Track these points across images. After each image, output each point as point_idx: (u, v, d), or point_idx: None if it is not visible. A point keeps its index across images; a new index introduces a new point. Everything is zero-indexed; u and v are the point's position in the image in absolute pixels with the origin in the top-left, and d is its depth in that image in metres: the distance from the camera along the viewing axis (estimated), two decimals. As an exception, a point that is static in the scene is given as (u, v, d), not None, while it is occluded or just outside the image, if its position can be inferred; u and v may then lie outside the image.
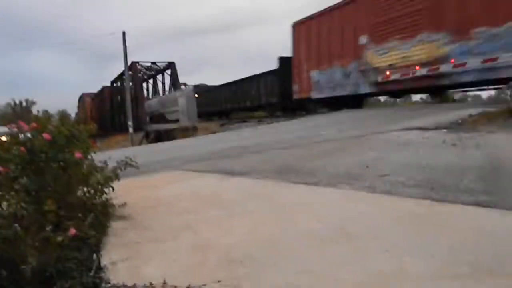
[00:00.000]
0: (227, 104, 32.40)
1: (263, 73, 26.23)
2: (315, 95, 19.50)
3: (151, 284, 2.09)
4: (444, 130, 7.21)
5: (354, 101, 17.83)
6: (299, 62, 20.66)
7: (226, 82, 33.17)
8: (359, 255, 2.30)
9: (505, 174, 4.18)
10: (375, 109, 14.70)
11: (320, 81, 18.99)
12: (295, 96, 21.06)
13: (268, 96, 25.51)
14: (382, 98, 29.99)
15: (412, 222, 2.89)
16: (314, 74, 19.45)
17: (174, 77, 42.95)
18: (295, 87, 20.97)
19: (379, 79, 15.27)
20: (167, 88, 44.49)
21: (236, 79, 31.62)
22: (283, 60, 22.90)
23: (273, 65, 24.98)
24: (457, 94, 24.90)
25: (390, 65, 14.67)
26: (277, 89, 23.89)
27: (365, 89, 16.39)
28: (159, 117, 36.54)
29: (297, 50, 20.83)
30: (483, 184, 3.73)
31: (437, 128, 7.49)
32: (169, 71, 45.00)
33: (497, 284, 1.85)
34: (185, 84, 38.84)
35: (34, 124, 2.86)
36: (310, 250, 2.47)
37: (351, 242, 2.55)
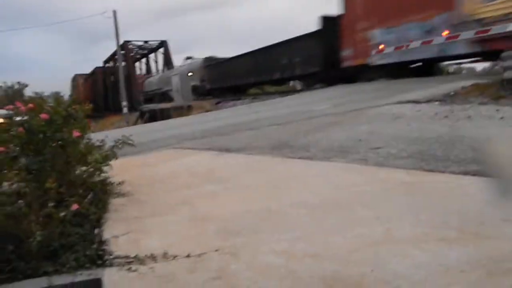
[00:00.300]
0: (247, 78, 27.10)
1: (299, 37, 21.10)
2: (377, 60, 15.26)
3: (152, 254, 2.19)
4: (437, 103, 7.28)
5: (429, 67, 14.96)
6: (353, 20, 16.50)
7: (246, 52, 27.65)
8: (350, 223, 2.40)
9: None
10: (370, 83, 14.49)
11: (386, 42, 14.82)
12: (346, 63, 17.06)
13: (306, 65, 20.52)
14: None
15: (402, 191, 2.99)
16: (377, 34, 15.34)
17: (167, 56, 42.62)
18: (346, 52, 16.94)
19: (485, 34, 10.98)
20: (160, 67, 44.24)
21: (256, 47, 25.89)
22: (327, 21, 18.60)
23: (264, 42, 23.64)
24: (451, 67, 24.71)
25: (507, 14, 10.53)
26: (319, 55, 19.06)
27: (458, 49, 12.14)
28: (161, 95, 35.07)
29: (350, 5, 16.86)
30: (472, 154, 3.82)
31: (430, 101, 7.56)
32: (162, 50, 44.63)
33: (482, 246, 1.95)
34: (189, 57, 36.48)
35: (30, 105, 2.90)
36: (304, 219, 2.57)
37: (343, 210, 2.65)
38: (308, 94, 16.55)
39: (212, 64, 31.76)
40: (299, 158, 4.50)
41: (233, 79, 28.63)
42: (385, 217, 2.43)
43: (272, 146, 5.31)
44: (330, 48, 17.96)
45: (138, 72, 46.77)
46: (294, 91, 23.26)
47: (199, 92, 31.74)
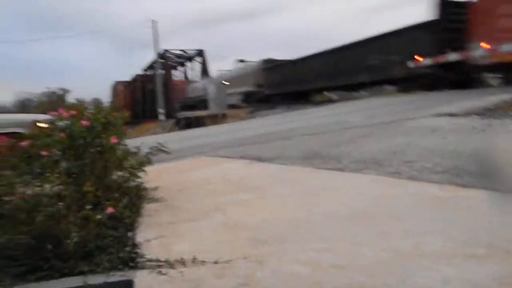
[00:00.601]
0: (319, 81, 23.04)
1: (398, 31, 17.26)
2: None
3: (182, 259, 2.25)
4: (475, 116, 7.09)
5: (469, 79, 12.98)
6: (491, 2, 12.73)
7: (317, 52, 23.46)
8: (378, 235, 2.39)
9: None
10: (409, 95, 14.15)
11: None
12: (481, 61, 13.07)
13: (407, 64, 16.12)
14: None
15: (434, 205, 2.94)
16: None
17: (204, 64, 43.41)
18: (478, 48, 12.95)
19: None
20: (197, 75, 45.01)
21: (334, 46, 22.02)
22: (446, 7, 14.75)
23: (305, 51, 22.30)
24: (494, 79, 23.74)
25: None
26: (431, 51, 14.77)
27: None
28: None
29: None
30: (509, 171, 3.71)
31: (468, 114, 7.37)
32: (199, 59, 45.52)
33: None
34: (242, 60, 34.21)
35: (73, 112, 3.06)
36: (332, 230, 2.58)
37: (372, 223, 2.64)
38: (341, 105, 16.43)
39: (272, 66, 28.26)
40: (331, 169, 4.49)
41: (301, 83, 24.45)
42: (415, 231, 2.40)
43: (304, 156, 5.32)
44: (446, 42, 14.24)
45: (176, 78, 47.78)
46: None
47: (254, 99, 28.59)
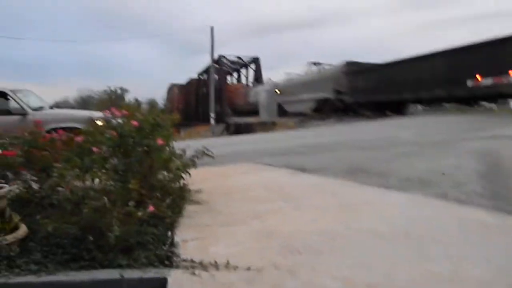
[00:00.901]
0: (419, 91, 18.50)
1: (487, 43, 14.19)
2: None
3: (215, 262, 2.29)
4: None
5: None
6: None
7: (426, 53, 18.72)
8: (416, 256, 2.32)
9: None
10: (467, 114, 13.55)
11: None
12: None
13: None
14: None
15: (479, 231, 2.82)
16: None
17: (258, 72, 43.82)
18: None
19: None
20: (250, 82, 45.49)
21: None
22: None
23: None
24: None
25: None
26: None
27: None
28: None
29: None
30: None
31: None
32: (253, 66, 46.05)
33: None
34: (317, 63, 29.09)
35: (125, 112, 3.21)
36: (368, 246, 2.53)
37: (411, 243, 2.57)
38: (393, 119, 16.02)
39: (357, 70, 23.40)
40: (375, 185, 4.40)
41: (397, 91, 19.87)
42: (455, 256, 2.31)
43: (348, 170, 5.25)
44: None
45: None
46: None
47: (331, 107, 24.31)
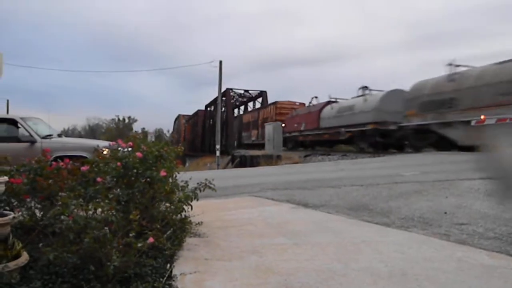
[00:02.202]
0: None
1: None
2: None
3: (212, 296, 2.31)
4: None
5: None
6: None
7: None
8: (412, 298, 2.32)
9: None
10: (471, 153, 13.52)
11: None
12: None
13: None
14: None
15: (479, 274, 2.81)
16: None
17: (265, 105, 44.27)
18: None
19: None
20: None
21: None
22: None
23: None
24: None
25: None
26: None
27: None
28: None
29: None
30: None
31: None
32: (260, 99, 46.60)
33: None
34: (365, 87, 25.21)
35: (130, 143, 3.29)
36: (365, 286, 2.53)
37: (409, 285, 2.56)
38: (396, 157, 16.01)
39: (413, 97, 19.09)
40: (376, 223, 4.41)
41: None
42: (452, 298, 2.30)
43: (350, 207, 5.26)
44: None
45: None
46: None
47: (372, 141, 21.99)
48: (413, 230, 4.08)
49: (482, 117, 13.08)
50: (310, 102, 33.17)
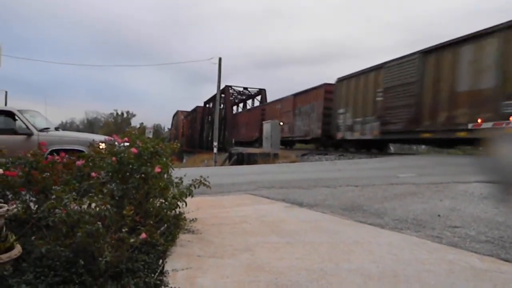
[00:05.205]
0: None
1: None
2: None
3: (202, 293, 2.32)
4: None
5: None
6: None
7: None
8: (401, 299, 2.34)
9: None
10: (468, 156, 13.57)
11: None
12: None
13: None
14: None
15: (469, 277, 2.83)
16: None
17: (264, 103, 44.30)
18: None
19: None
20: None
21: None
22: None
23: None
24: None
25: None
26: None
27: None
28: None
29: None
30: None
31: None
32: (259, 97, 46.65)
33: None
34: None
35: (126, 139, 3.30)
36: (355, 286, 2.55)
37: (398, 284, 2.58)
38: (394, 158, 16.04)
39: None
40: (370, 224, 4.43)
41: None
42: (440, 301, 2.32)
43: (344, 207, 5.28)
44: None
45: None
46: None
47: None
48: (406, 232, 4.10)
49: (478, 120, 13.07)
50: None
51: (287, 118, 31.37)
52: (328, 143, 26.36)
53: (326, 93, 25.96)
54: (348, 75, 23.03)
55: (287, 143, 32.03)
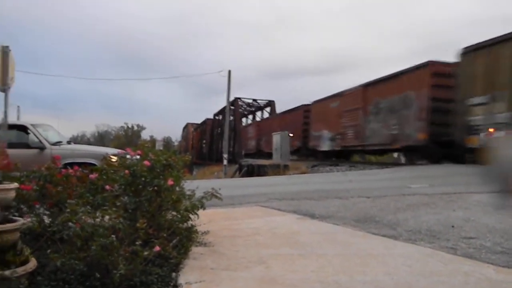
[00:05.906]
0: None
1: None
2: None
3: (216, 306, 2.31)
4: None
5: None
6: None
7: None
8: (417, 312, 2.31)
9: None
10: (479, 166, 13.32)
11: None
12: None
13: None
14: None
15: (483, 287, 2.79)
16: None
17: (273, 115, 44.34)
18: None
19: None
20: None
21: None
22: None
23: None
24: None
25: None
26: None
27: None
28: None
29: None
30: None
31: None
32: (268, 109, 46.71)
33: None
34: None
35: (139, 152, 3.33)
36: (370, 299, 2.52)
37: (414, 298, 2.55)
38: (405, 168, 15.91)
39: None
40: (383, 235, 4.39)
41: None
42: (458, 313, 2.29)
43: (357, 219, 5.24)
44: None
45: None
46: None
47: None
48: (420, 243, 4.05)
49: (491, 130, 12.83)
50: None
51: (352, 118, 23.25)
52: (439, 152, 17.10)
53: (435, 76, 16.87)
54: (489, 40, 13.91)
55: (346, 154, 25.91)
